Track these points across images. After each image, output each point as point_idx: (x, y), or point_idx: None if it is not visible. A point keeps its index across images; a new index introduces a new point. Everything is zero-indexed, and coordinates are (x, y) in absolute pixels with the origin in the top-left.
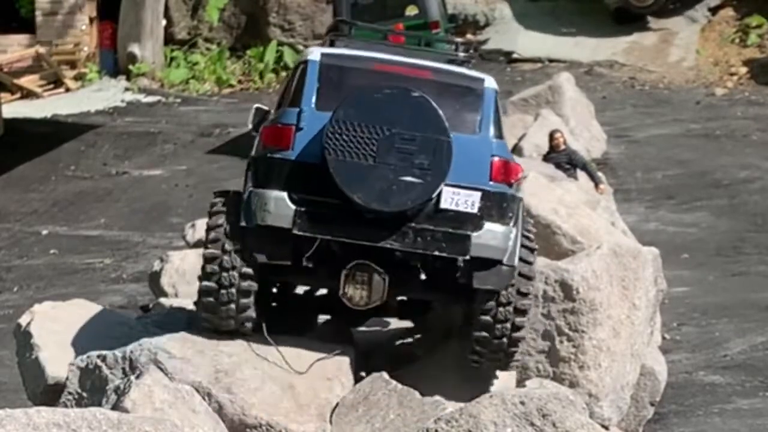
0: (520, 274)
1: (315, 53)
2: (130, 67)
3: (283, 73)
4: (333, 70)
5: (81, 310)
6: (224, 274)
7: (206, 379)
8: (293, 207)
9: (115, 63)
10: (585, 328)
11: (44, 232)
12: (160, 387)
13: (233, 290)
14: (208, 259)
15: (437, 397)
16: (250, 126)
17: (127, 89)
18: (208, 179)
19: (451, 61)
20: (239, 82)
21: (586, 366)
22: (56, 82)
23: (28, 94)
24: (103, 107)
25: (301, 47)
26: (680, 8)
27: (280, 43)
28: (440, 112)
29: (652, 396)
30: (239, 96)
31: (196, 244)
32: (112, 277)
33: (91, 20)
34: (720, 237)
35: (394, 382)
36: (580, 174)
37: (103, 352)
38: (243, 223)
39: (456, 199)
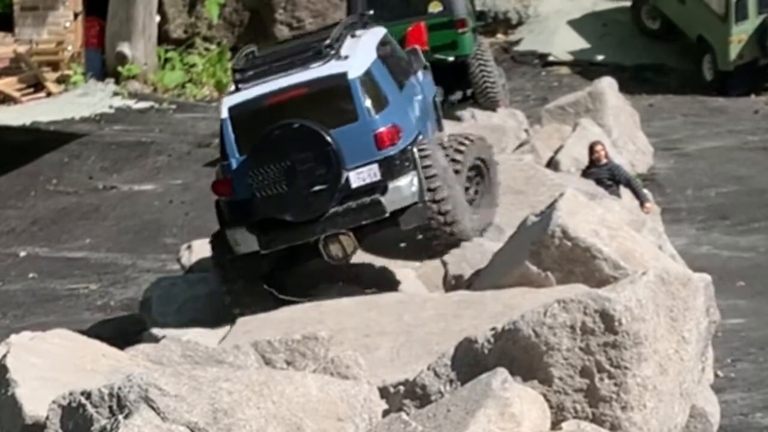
0: (430, 189)
1: (223, 110)
2: (120, 69)
3: None
4: (240, 119)
5: (63, 342)
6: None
7: (203, 420)
8: (253, 235)
9: (103, 64)
10: (628, 363)
11: (22, 253)
12: (152, 428)
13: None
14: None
15: None
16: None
17: (115, 94)
18: (205, 195)
19: (326, 48)
20: None
21: (629, 406)
22: (36, 85)
23: (5, 99)
24: (89, 114)
25: None
26: None
27: None
28: (317, 128)
29: None
30: None
31: (192, 268)
32: (99, 304)
33: (75, 16)
34: None
35: (414, 424)
36: (624, 191)
37: (88, 389)
38: (229, 256)
39: (361, 176)
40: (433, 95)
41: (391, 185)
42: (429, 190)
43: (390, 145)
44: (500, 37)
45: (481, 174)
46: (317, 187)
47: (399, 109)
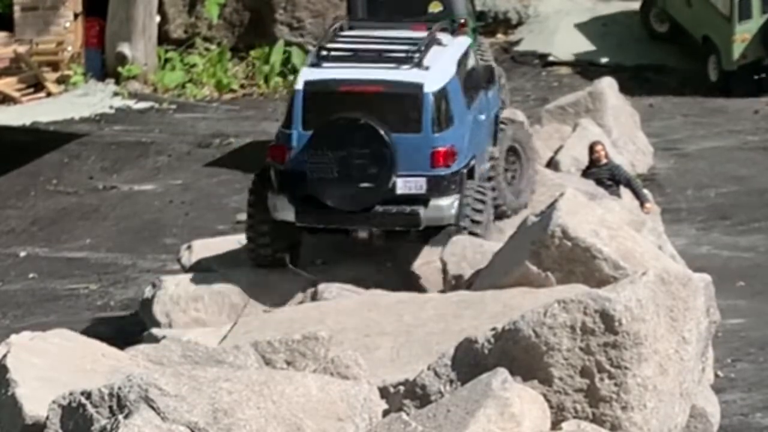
0: (474, 221)
1: (300, 81)
2: (120, 69)
3: (291, 77)
4: (313, 97)
5: (63, 342)
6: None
7: (203, 420)
8: (293, 206)
9: (103, 64)
10: (628, 364)
11: (22, 253)
12: (152, 428)
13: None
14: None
15: None
16: None
17: (115, 94)
18: (206, 195)
19: (412, 53)
20: (242, 86)
21: (629, 406)
22: (37, 85)
23: (5, 99)
24: (89, 114)
25: (311, 48)
26: None
27: (288, 43)
28: (381, 131)
29: None
30: (241, 102)
31: (192, 268)
32: (99, 304)
33: (75, 16)
34: None
35: (414, 424)
36: (624, 191)
37: (88, 389)
38: (262, 216)
39: (408, 185)
40: (496, 110)
41: (433, 202)
42: (473, 221)
43: (443, 166)
44: (500, 37)
45: (517, 155)
46: (365, 184)
47: (461, 130)
